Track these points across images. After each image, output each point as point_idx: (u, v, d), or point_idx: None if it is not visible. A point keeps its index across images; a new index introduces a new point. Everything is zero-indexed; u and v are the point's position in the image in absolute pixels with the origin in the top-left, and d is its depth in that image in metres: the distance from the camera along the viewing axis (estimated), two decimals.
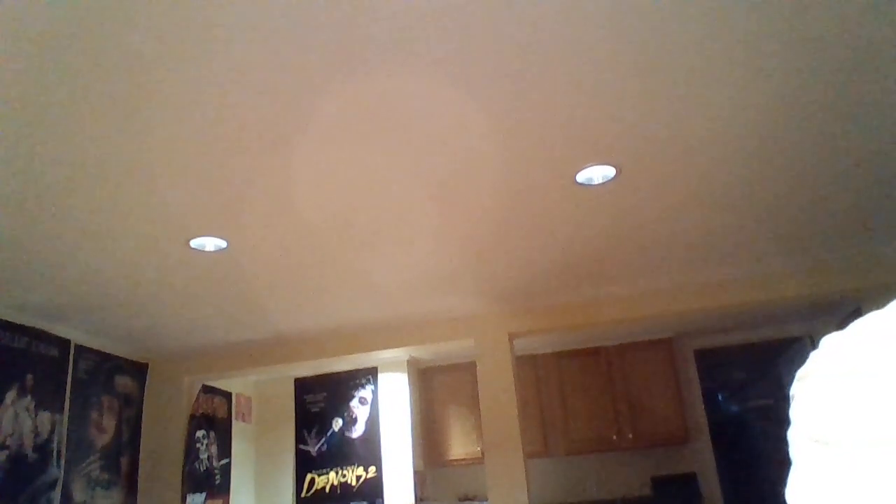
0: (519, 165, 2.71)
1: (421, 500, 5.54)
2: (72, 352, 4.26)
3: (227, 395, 5.71)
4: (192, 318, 4.27)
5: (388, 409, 5.74)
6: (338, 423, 5.82)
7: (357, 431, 5.75)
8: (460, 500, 5.97)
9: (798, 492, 0.50)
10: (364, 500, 5.54)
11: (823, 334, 0.54)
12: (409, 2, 1.77)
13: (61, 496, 4.03)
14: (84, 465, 4.27)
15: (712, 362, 6.43)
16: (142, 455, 4.85)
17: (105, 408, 4.54)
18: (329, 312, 4.43)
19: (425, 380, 6.13)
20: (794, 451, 0.52)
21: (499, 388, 4.65)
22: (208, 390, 5.40)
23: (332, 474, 5.71)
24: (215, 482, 5.32)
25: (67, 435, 4.14)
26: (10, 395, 3.74)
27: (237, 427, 5.78)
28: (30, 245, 3.02)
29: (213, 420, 5.41)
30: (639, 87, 2.23)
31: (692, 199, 3.15)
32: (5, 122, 2.12)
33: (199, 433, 5.18)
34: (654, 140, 2.59)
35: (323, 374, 5.91)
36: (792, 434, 0.53)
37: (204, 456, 5.20)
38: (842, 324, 5.64)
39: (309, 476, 5.77)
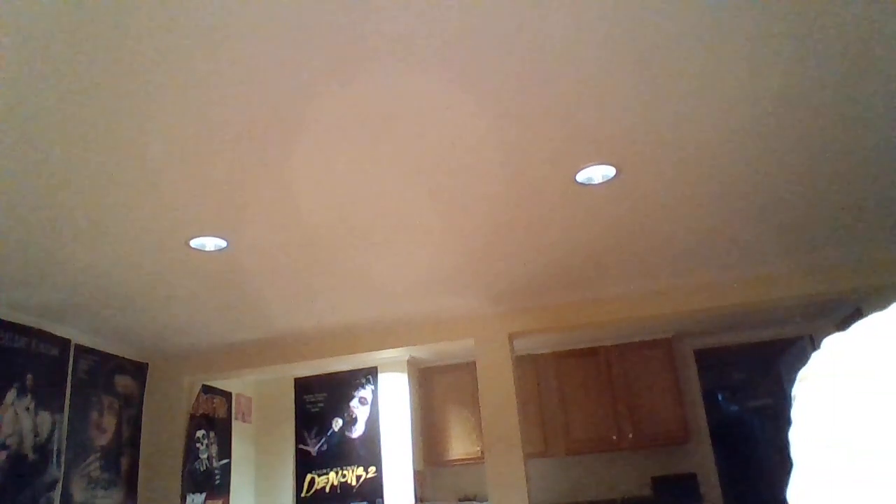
0: (519, 165, 2.71)
1: (421, 500, 5.54)
2: (72, 351, 4.26)
3: (227, 395, 5.71)
4: (192, 317, 4.27)
5: (388, 409, 5.73)
6: (338, 423, 5.82)
7: (357, 431, 5.75)
8: (460, 500, 5.96)
9: (800, 493, 0.50)
10: (364, 500, 5.54)
11: (823, 334, 0.54)
12: (409, 2, 1.77)
13: (61, 496, 4.03)
14: (84, 464, 4.27)
15: (712, 362, 6.43)
16: (142, 455, 4.85)
17: (105, 408, 4.54)
18: (329, 312, 4.43)
19: (425, 380, 6.13)
20: (795, 453, 0.52)
21: (499, 388, 4.65)
22: (208, 390, 5.40)
23: (332, 474, 5.71)
24: (215, 482, 5.32)
25: (67, 435, 4.14)
26: (10, 395, 3.74)
27: (237, 427, 5.78)
28: (30, 245, 3.02)
29: (213, 420, 5.41)
30: (639, 86, 2.23)
31: (692, 198, 3.15)
32: (4, 121, 2.12)
33: (199, 433, 5.18)
34: (654, 140, 2.59)
35: (323, 374, 5.90)
36: (793, 435, 0.52)
37: (204, 456, 5.20)
38: (842, 324, 5.64)
39: (309, 476, 5.77)
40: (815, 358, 0.54)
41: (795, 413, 0.53)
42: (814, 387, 0.52)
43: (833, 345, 0.53)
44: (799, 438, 0.51)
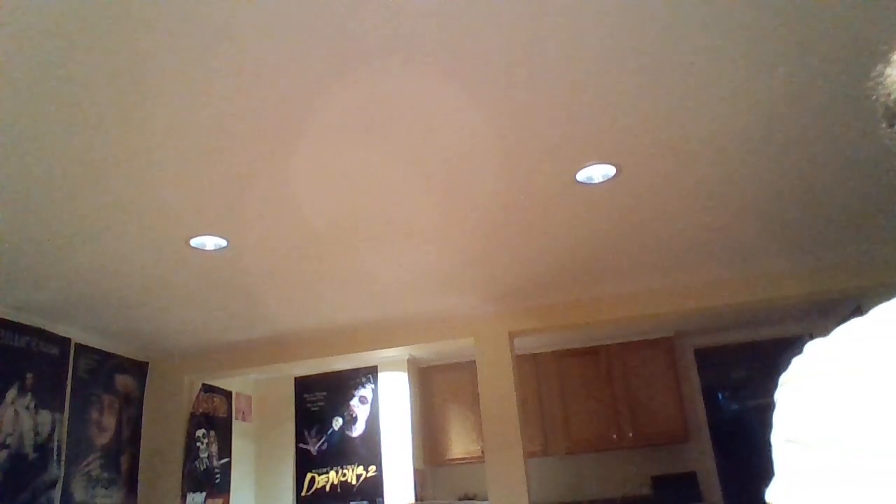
0: (519, 164, 2.70)
1: (421, 499, 5.54)
2: (72, 351, 4.26)
3: (227, 394, 5.71)
4: (193, 316, 4.27)
5: (388, 407, 5.74)
6: (338, 422, 5.82)
7: (357, 430, 5.75)
8: (460, 499, 5.97)
9: (776, 492, 0.50)
10: (364, 499, 5.54)
11: (823, 333, 0.54)
12: (409, 2, 1.77)
13: (61, 495, 4.03)
14: (84, 463, 4.27)
15: (712, 361, 6.43)
16: (142, 454, 4.85)
17: (105, 406, 4.54)
18: (329, 311, 4.43)
19: (425, 379, 6.13)
20: (779, 453, 0.52)
21: (499, 387, 4.65)
22: (208, 389, 5.40)
23: (332, 473, 5.71)
24: (215, 481, 5.32)
25: (67, 434, 4.14)
26: (11, 394, 3.74)
27: (237, 426, 5.78)
28: (30, 244, 3.02)
29: (214, 419, 5.41)
30: (639, 85, 2.23)
31: (692, 198, 3.15)
32: (6, 120, 2.12)
33: (199, 432, 5.18)
34: (655, 139, 2.59)
35: (323, 373, 5.90)
36: (776, 436, 0.53)
37: (204, 455, 5.20)
38: (841, 323, 5.63)
39: (309, 475, 5.77)
40: (798, 361, 0.54)
41: (778, 415, 0.53)
42: (801, 386, 0.52)
43: (817, 347, 0.53)
44: (785, 438, 0.51)
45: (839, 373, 0.49)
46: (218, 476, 5.36)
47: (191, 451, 5.01)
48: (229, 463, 5.55)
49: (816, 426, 0.49)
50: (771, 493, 0.51)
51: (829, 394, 0.49)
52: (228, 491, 5.49)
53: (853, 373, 0.48)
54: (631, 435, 5.71)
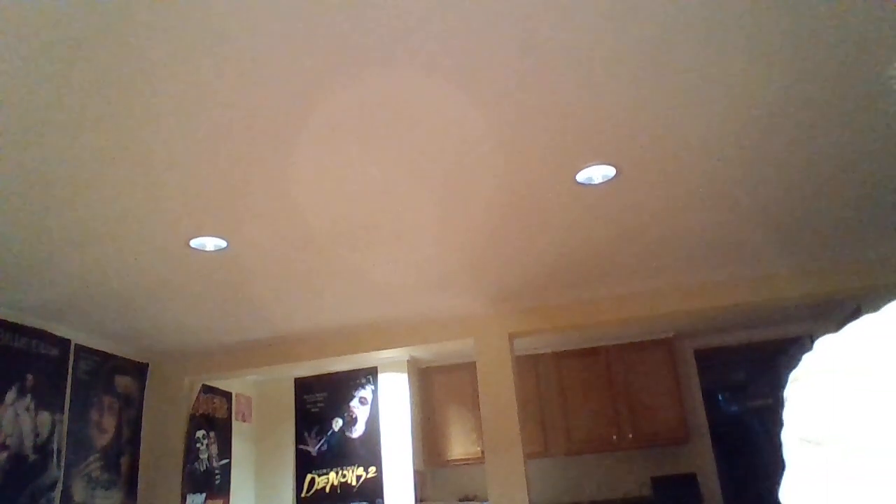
0: (519, 165, 2.71)
1: (421, 500, 5.54)
2: (72, 352, 4.26)
3: (227, 395, 5.71)
4: (193, 317, 4.27)
5: (388, 409, 5.73)
6: (338, 423, 5.82)
7: (357, 431, 5.75)
8: (460, 500, 5.96)
9: (789, 491, 0.50)
10: (364, 501, 5.54)
11: (823, 334, 0.55)
12: (409, 3, 1.77)
13: (61, 496, 4.03)
14: (84, 465, 4.27)
15: (712, 362, 6.43)
16: (142, 455, 4.85)
17: (105, 408, 4.54)
18: (329, 312, 4.43)
19: (425, 380, 6.13)
20: (786, 452, 0.52)
21: (499, 388, 4.65)
22: (208, 390, 5.40)
23: (332, 474, 5.71)
24: (215, 482, 5.32)
25: (67, 435, 4.14)
26: (11, 395, 3.74)
27: (237, 427, 5.78)
28: (30, 245, 3.02)
29: (213, 420, 5.41)
30: (639, 86, 2.23)
31: (692, 199, 3.15)
32: (6, 121, 2.12)
33: (199, 433, 5.18)
34: (655, 140, 2.59)
35: (323, 374, 5.90)
36: (786, 435, 0.53)
37: (204, 456, 5.20)
38: (842, 324, 5.63)
39: (309, 476, 5.77)
40: (808, 358, 0.54)
41: (788, 413, 0.53)
42: (808, 384, 0.52)
43: (826, 344, 0.53)
44: (795, 435, 0.52)
45: (847, 371, 0.49)
46: (218, 477, 5.36)
47: (191, 453, 5.01)
48: (229, 464, 5.55)
49: (823, 424, 0.49)
50: (783, 491, 0.51)
51: (835, 392, 0.49)
52: (228, 492, 5.48)
53: (860, 372, 0.48)
54: (631, 436, 5.71)
